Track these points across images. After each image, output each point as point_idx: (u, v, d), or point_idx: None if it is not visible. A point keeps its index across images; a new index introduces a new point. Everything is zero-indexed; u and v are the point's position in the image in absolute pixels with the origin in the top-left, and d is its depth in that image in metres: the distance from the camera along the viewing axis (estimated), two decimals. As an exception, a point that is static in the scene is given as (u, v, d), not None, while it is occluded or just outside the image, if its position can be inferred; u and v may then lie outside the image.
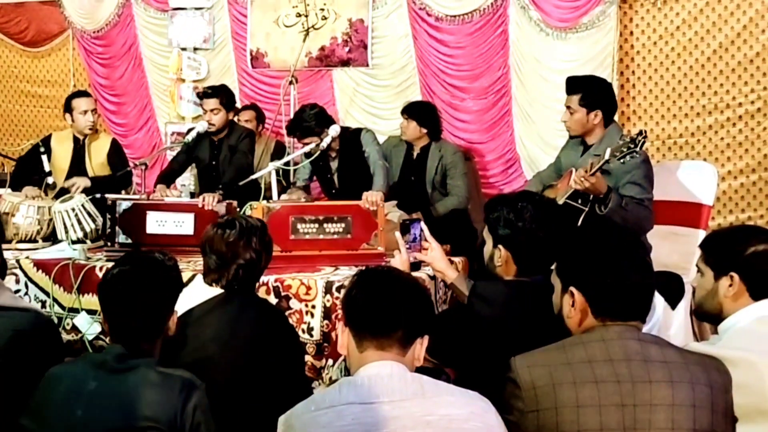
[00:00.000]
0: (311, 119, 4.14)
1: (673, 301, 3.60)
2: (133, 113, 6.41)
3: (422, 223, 2.66)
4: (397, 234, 2.64)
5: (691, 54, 4.88)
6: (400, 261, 2.57)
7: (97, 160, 4.58)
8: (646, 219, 3.37)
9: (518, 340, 1.86)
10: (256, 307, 2.39)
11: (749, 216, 4.81)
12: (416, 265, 2.66)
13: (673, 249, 3.73)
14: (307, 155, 4.05)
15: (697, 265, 2.17)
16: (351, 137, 4.26)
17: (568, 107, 3.60)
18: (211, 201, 3.62)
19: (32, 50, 6.78)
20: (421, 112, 4.67)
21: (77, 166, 4.54)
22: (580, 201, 3.37)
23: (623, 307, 1.75)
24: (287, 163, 4.12)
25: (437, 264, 2.58)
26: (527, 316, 2.12)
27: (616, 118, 3.76)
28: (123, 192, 4.69)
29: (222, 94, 4.49)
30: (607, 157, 3.20)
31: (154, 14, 6.19)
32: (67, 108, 4.57)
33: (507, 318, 2.16)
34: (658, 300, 3.50)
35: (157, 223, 3.55)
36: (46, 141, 4.60)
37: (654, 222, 3.44)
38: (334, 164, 4.36)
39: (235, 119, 4.80)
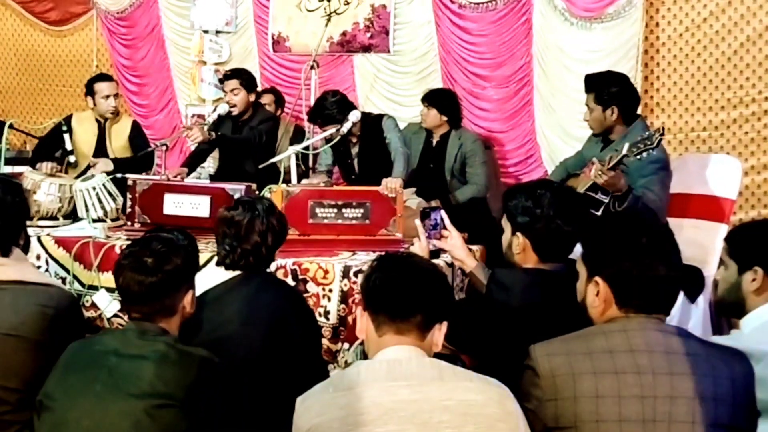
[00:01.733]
0: (333, 107, 4.14)
1: (692, 295, 3.58)
2: (154, 95, 6.43)
3: (442, 211, 2.65)
4: (417, 221, 2.63)
5: (718, 47, 4.81)
6: (419, 248, 2.56)
7: (118, 143, 4.62)
8: None
9: (536, 328, 1.86)
10: (275, 288, 2.39)
11: (772, 211, 4.76)
12: (435, 253, 2.64)
13: (694, 242, 3.70)
14: (328, 140, 4.04)
15: (721, 258, 2.15)
16: (372, 123, 4.25)
17: (587, 105, 3.61)
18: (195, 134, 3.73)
19: (56, 29, 6.81)
20: (441, 99, 4.65)
21: (99, 149, 4.58)
22: (600, 193, 3.35)
23: (649, 300, 1.73)
24: (306, 148, 4.11)
25: (457, 252, 2.57)
26: (546, 304, 2.11)
27: (639, 110, 3.71)
28: (145, 173, 4.72)
29: (242, 74, 4.54)
30: (624, 151, 3.17)
31: (178, -4, 6.20)
32: (89, 91, 4.59)
33: (525, 306, 2.15)
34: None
35: (174, 205, 3.56)
36: (68, 120, 4.63)
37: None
38: (354, 150, 4.35)
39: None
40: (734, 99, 4.80)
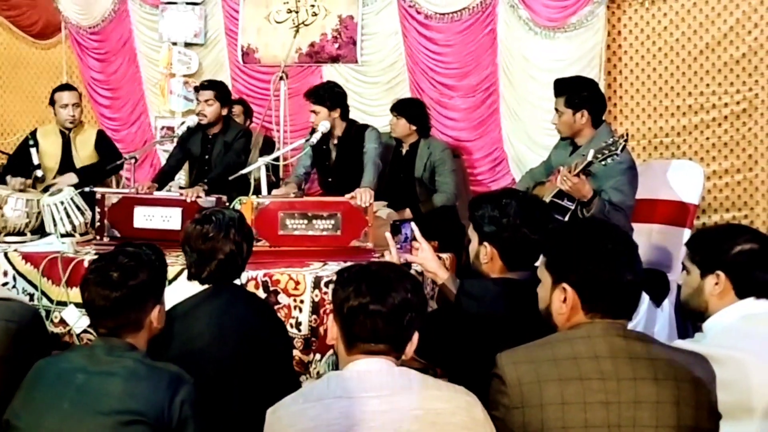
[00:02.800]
0: (326, 91, 4.24)
1: (658, 299, 3.64)
2: (126, 108, 6.39)
3: (413, 224, 2.64)
4: (387, 234, 2.63)
5: (678, 54, 4.92)
6: (390, 261, 2.57)
7: (84, 152, 4.58)
8: (623, 226, 3.40)
9: (507, 338, 1.87)
10: (244, 301, 2.39)
11: (734, 216, 4.85)
12: (406, 266, 2.65)
13: (658, 247, 3.77)
14: (306, 143, 4.08)
15: (683, 264, 2.19)
16: (355, 131, 4.28)
17: (556, 109, 3.64)
18: (193, 195, 3.62)
19: (40, 42, 6.79)
20: (410, 109, 4.69)
21: (66, 161, 4.54)
22: (566, 200, 3.40)
23: (615, 305, 1.76)
24: (276, 159, 4.12)
25: (428, 264, 2.55)
26: (515, 313, 2.12)
27: (603, 117, 3.78)
28: (113, 180, 4.69)
29: (218, 87, 4.52)
30: (590, 158, 3.23)
31: (149, 9, 6.18)
32: (51, 101, 4.58)
33: (495, 315, 2.16)
34: (643, 297, 3.53)
35: (144, 218, 3.55)
36: (34, 134, 4.60)
37: (631, 228, 3.48)
38: (333, 154, 4.37)
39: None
40: (695, 105, 4.90)
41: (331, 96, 4.24)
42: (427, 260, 2.55)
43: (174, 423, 1.80)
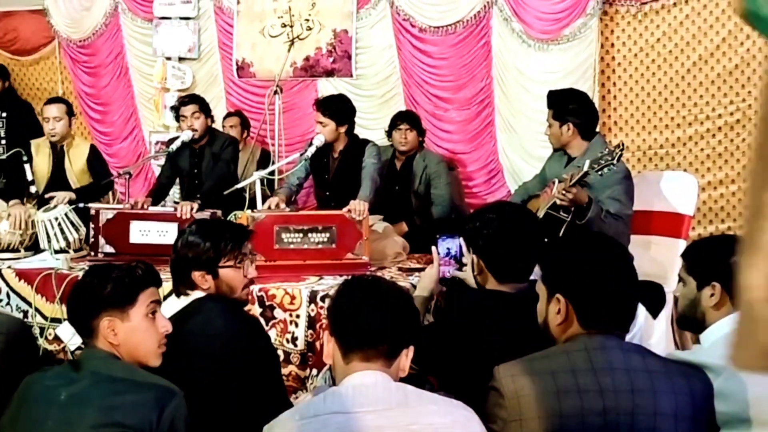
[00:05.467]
0: (339, 105, 4.17)
1: (654, 311, 3.63)
2: (118, 122, 6.39)
3: (461, 240, 2.60)
4: (434, 248, 2.61)
5: (672, 66, 4.94)
6: (429, 275, 2.57)
7: (77, 166, 4.57)
8: (623, 234, 3.41)
9: (495, 350, 1.87)
10: (228, 314, 2.33)
11: (729, 226, 4.86)
12: (445, 281, 2.63)
13: (654, 259, 3.76)
14: (301, 156, 4.07)
15: (679, 275, 2.19)
16: (356, 145, 4.25)
17: (548, 121, 3.70)
18: (187, 210, 3.61)
19: (21, 59, 6.76)
20: (419, 121, 4.79)
21: (57, 174, 4.53)
22: (561, 212, 3.40)
23: (610, 316, 1.77)
24: (272, 173, 4.11)
25: (471, 281, 2.49)
26: (504, 325, 2.12)
27: (597, 129, 3.79)
28: (103, 199, 4.67)
29: (198, 99, 4.51)
30: (585, 168, 3.24)
31: (141, 24, 6.18)
32: (42, 114, 4.58)
33: (482, 327, 2.16)
34: (640, 309, 3.52)
35: (140, 233, 3.54)
36: (27, 148, 4.59)
37: (630, 238, 3.49)
38: (333, 165, 4.36)
39: (220, 126, 4.80)
40: (689, 117, 4.92)
41: (343, 111, 4.18)
42: (470, 277, 2.53)
43: None
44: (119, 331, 1.95)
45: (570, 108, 3.60)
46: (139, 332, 1.98)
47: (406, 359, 1.74)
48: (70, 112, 4.58)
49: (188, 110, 4.43)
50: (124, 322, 1.96)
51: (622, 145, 3.24)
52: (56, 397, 1.82)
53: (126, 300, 1.97)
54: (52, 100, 4.65)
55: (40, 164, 4.53)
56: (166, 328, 2.04)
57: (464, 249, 2.55)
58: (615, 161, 3.16)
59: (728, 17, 4.79)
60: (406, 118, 4.74)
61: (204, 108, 4.46)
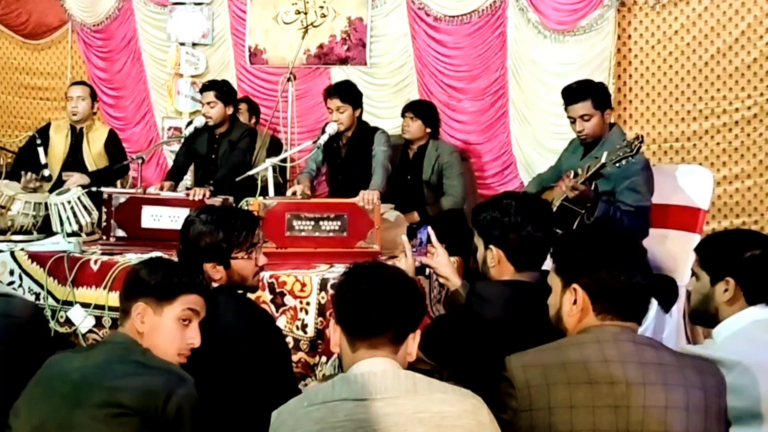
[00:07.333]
0: (347, 88, 4.28)
1: (667, 305, 3.61)
2: (131, 107, 6.41)
3: (429, 228, 2.65)
4: (404, 237, 2.63)
5: (689, 59, 4.89)
6: (405, 264, 2.55)
7: (95, 149, 4.66)
8: (641, 229, 3.36)
9: (517, 340, 1.86)
10: (240, 309, 2.32)
11: (743, 221, 4.83)
12: (421, 269, 2.64)
13: (668, 252, 3.74)
14: (314, 143, 4.08)
15: (692, 270, 2.18)
16: (366, 133, 4.27)
17: (581, 117, 3.52)
18: (200, 195, 3.61)
19: (32, 42, 6.79)
20: (426, 111, 4.71)
21: (74, 155, 4.60)
22: (576, 204, 3.38)
23: (625, 306, 1.76)
24: (284, 160, 4.11)
25: (442, 269, 2.56)
26: (526, 315, 2.11)
27: (612, 120, 3.76)
28: (118, 183, 4.71)
29: (219, 87, 4.51)
30: (603, 160, 3.20)
31: (154, 9, 6.20)
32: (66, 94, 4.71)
33: (506, 318, 2.15)
34: (652, 303, 3.50)
35: (152, 218, 3.54)
36: (44, 130, 4.67)
37: (648, 230, 3.44)
38: (343, 152, 4.36)
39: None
40: (706, 110, 4.87)
41: (357, 95, 4.29)
42: (442, 265, 2.57)
43: (170, 420, 1.77)
44: (147, 321, 1.96)
45: (605, 93, 3.59)
46: (164, 332, 1.97)
47: (413, 344, 1.73)
48: (93, 95, 4.71)
49: (205, 98, 4.47)
50: (156, 315, 1.97)
51: (641, 137, 3.19)
52: (70, 375, 1.83)
53: (165, 294, 1.98)
54: (78, 82, 4.82)
55: (57, 144, 4.60)
56: (193, 342, 2.01)
57: (433, 238, 2.58)
58: (634, 153, 3.12)
59: (748, 10, 4.74)
60: (411, 107, 4.72)
61: (223, 96, 4.47)
